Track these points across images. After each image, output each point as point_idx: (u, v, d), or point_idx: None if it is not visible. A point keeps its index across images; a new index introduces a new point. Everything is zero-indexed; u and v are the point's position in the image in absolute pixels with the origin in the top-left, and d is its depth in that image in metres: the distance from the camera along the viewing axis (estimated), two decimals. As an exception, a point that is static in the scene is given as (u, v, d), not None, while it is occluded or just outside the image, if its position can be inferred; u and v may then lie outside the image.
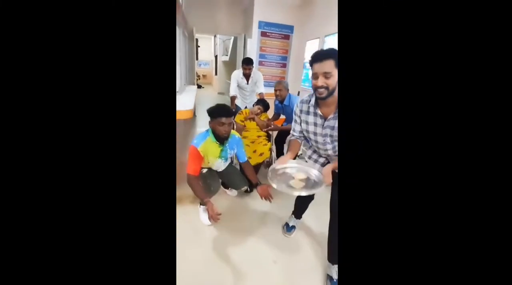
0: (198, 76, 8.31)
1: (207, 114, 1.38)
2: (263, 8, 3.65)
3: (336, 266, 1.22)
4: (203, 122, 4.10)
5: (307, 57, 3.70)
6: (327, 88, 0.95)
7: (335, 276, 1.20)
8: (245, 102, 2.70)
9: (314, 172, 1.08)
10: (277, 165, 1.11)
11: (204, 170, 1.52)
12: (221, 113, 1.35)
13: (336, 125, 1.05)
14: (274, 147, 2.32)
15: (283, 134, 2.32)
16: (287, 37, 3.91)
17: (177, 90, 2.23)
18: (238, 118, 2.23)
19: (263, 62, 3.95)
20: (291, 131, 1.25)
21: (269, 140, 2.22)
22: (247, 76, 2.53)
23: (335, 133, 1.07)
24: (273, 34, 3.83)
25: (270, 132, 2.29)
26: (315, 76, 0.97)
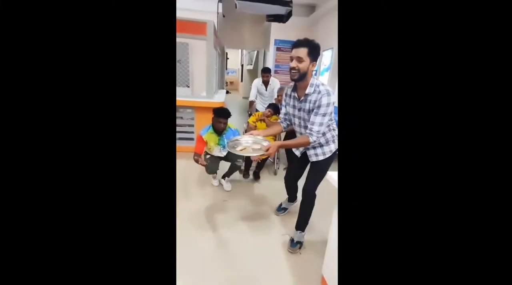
0: (226, 82, 9.46)
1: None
2: (278, 29, 4.67)
3: (298, 231, 1.51)
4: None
5: (312, 66, 4.63)
6: (298, 70, 1.10)
7: (296, 239, 1.50)
8: (264, 106, 2.99)
9: (265, 144, 1.23)
10: (242, 136, 1.29)
11: (207, 156, 2.06)
12: (220, 114, 1.93)
13: (305, 107, 1.20)
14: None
15: (289, 136, 2.57)
16: (297, 50, 4.90)
17: (214, 92, 3.26)
18: (251, 119, 2.51)
19: (278, 71, 4.96)
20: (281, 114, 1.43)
21: (275, 139, 2.39)
22: (265, 83, 2.96)
23: (305, 116, 1.22)
24: (286, 49, 4.82)
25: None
26: (291, 59, 1.12)
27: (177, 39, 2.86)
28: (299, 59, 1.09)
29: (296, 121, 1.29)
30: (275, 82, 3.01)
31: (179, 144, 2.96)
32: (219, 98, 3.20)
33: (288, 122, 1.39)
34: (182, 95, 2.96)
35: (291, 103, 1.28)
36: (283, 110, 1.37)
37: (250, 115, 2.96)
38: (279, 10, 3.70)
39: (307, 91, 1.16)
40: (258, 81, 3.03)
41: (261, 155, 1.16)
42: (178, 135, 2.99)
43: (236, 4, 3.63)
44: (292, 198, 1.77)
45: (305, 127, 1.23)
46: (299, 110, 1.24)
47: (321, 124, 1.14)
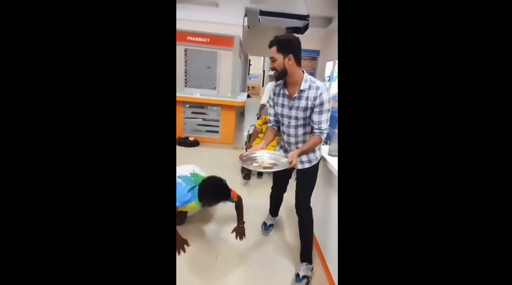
0: (248, 87, 10.02)
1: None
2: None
3: (304, 264, 1.30)
4: (248, 123, 5.63)
5: (327, 73, 5.03)
6: (275, 69, 1.12)
7: (301, 273, 1.27)
8: None
9: (283, 160, 1.14)
10: (248, 152, 1.16)
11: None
12: (214, 195, 1.36)
13: (301, 105, 1.12)
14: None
15: None
16: (314, 58, 5.33)
17: (237, 93, 3.80)
18: (258, 122, 2.49)
19: (295, 77, 5.44)
20: (269, 116, 1.29)
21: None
22: None
23: (300, 114, 1.14)
24: (303, 57, 5.27)
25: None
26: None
27: (208, 49, 3.48)
28: (272, 59, 1.12)
29: (285, 121, 1.21)
30: None
31: (205, 135, 3.57)
32: (241, 98, 3.74)
33: (279, 124, 1.27)
34: (210, 95, 3.58)
35: (280, 102, 1.20)
36: (271, 112, 1.27)
37: (258, 117, 2.99)
38: (297, 23, 4.20)
39: (302, 87, 1.11)
40: (271, 85, 3.05)
41: (287, 168, 1.08)
42: (205, 128, 3.61)
43: (259, 18, 4.19)
44: (275, 212, 1.71)
45: (297, 127, 1.19)
46: (291, 108, 1.17)
47: (327, 121, 1.12)
